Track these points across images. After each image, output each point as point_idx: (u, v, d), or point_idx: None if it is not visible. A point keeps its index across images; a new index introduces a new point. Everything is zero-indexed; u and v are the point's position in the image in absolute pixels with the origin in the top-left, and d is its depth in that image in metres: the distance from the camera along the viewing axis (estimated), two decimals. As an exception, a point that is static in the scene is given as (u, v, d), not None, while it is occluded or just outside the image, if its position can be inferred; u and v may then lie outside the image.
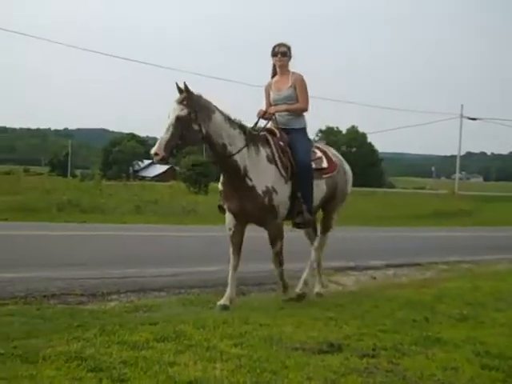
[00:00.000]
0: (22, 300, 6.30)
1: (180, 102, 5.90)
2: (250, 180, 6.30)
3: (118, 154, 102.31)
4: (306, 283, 7.27)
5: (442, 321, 6.21)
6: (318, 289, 7.65)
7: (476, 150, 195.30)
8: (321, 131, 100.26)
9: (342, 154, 7.98)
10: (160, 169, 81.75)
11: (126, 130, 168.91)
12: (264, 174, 6.36)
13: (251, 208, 6.36)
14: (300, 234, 7.68)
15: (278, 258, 6.73)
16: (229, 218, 6.65)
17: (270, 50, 6.99)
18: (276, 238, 6.63)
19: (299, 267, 7.46)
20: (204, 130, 5.98)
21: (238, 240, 6.68)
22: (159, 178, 72.50)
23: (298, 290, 7.12)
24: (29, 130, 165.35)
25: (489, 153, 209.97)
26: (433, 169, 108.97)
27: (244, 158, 6.26)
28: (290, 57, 7.01)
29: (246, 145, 6.28)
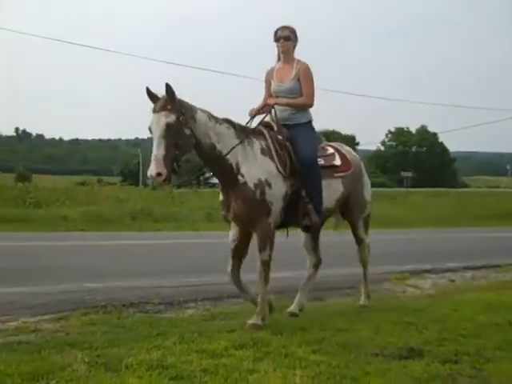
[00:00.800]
0: (103, 309, 6.45)
1: (163, 108, 5.18)
2: (242, 176, 5.63)
3: (185, 163, 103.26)
4: (367, 295, 7.01)
5: (526, 324, 6.00)
6: (362, 301, 7.04)
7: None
8: (390, 132, 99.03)
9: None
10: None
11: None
12: (257, 166, 5.70)
13: (241, 205, 5.64)
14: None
15: (264, 271, 5.75)
16: (232, 229, 6.00)
17: (273, 34, 6.26)
18: (265, 240, 5.72)
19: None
20: (195, 134, 5.36)
21: (240, 253, 6.01)
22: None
23: (361, 301, 6.96)
24: (100, 140, 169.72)
25: None
26: (508, 167, 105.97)
27: (236, 153, 5.62)
28: (294, 41, 6.27)
29: (240, 142, 5.65)
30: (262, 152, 5.78)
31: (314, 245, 6.79)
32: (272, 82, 6.30)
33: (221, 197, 5.91)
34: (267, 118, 6.16)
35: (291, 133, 6.08)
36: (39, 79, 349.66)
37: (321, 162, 6.14)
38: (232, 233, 6.01)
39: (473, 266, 11.11)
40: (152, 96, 5.25)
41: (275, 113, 6.20)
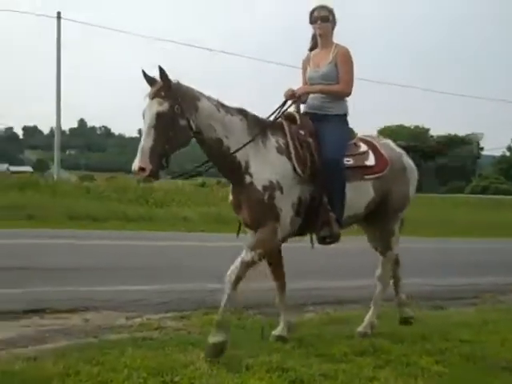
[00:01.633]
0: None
1: (156, 95, 4.51)
2: (250, 176, 4.87)
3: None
4: (372, 325, 5.83)
5: None
6: (361, 327, 5.84)
7: None
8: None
9: None
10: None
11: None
12: (269, 166, 4.92)
13: (246, 207, 4.94)
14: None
15: (240, 271, 4.78)
16: (249, 234, 5.18)
17: (308, 16, 5.60)
18: (260, 242, 4.84)
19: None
20: (193, 125, 4.62)
21: (275, 263, 5.44)
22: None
23: (360, 328, 5.79)
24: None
25: None
26: None
27: (246, 150, 4.88)
28: (333, 23, 5.57)
29: (252, 139, 4.90)
30: (278, 150, 5.03)
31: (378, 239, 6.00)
32: (308, 68, 5.64)
33: (230, 197, 5.19)
34: (291, 109, 5.43)
35: (318, 126, 5.33)
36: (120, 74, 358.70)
37: (349, 162, 5.34)
38: (249, 238, 5.13)
39: None
40: (149, 79, 4.61)
41: (298, 105, 5.52)
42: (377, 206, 5.60)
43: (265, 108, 5.42)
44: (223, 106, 4.88)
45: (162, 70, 4.49)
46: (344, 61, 5.43)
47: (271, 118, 5.26)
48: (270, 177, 4.88)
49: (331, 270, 9.83)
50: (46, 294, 6.71)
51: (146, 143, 4.38)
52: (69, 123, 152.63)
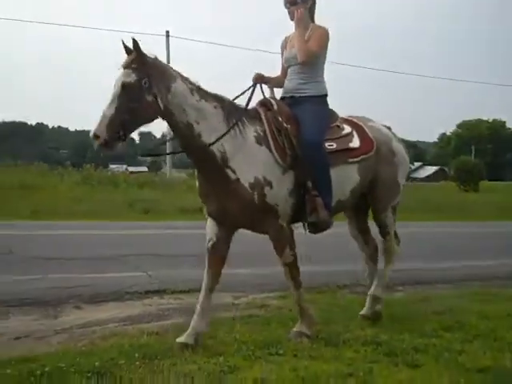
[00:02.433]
0: (317, 290, 6.50)
1: (127, 66, 4.04)
2: (233, 172, 4.23)
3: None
4: (375, 300, 5.19)
5: None
6: (364, 310, 5.24)
7: None
8: None
9: None
10: (430, 170, 79.75)
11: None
12: (251, 160, 4.28)
13: (237, 209, 4.29)
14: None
15: (292, 273, 4.51)
16: (209, 225, 4.58)
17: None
18: (282, 243, 4.44)
19: None
20: (162, 104, 4.07)
21: (219, 254, 4.55)
22: (430, 178, 70.42)
23: (364, 311, 5.19)
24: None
25: None
26: None
27: (220, 140, 4.25)
28: (305, 3, 4.80)
29: (230, 128, 4.26)
30: (257, 140, 4.36)
31: (364, 232, 5.43)
32: (285, 51, 4.99)
33: (197, 184, 4.52)
34: (267, 94, 4.80)
35: (296, 110, 4.67)
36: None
37: (332, 146, 4.65)
38: (208, 229, 4.58)
39: None
40: (127, 50, 4.12)
41: (272, 89, 4.91)
42: (365, 192, 5.00)
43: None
44: (200, 90, 4.28)
45: (135, 42, 4.01)
46: (316, 36, 4.73)
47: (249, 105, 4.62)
48: (255, 172, 4.26)
49: (419, 252, 9.60)
50: (165, 277, 6.92)
51: (107, 111, 3.91)
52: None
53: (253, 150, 4.31)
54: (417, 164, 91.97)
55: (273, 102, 4.66)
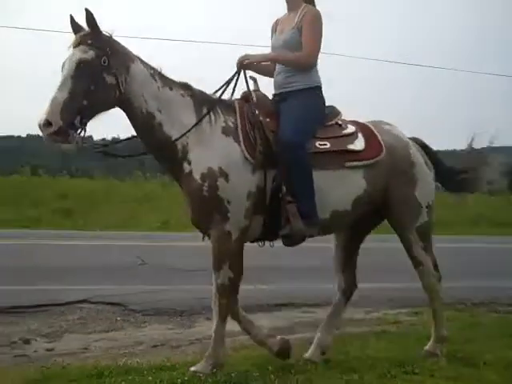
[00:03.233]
0: (453, 307, 6.29)
1: (81, 42, 3.51)
2: (189, 163, 3.78)
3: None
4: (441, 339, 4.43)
5: None
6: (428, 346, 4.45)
7: None
8: None
9: None
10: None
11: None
12: (210, 150, 3.78)
13: (189, 203, 3.84)
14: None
15: (220, 300, 3.83)
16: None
17: None
18: (221, 254, 3.79)
19: None
20: (122, 87, 3.59)
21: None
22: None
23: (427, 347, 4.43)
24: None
25: None
26: None
27: (183, 132, 3.79)
28: None
29: (201, 118, 3.81)
30: (224, 131, 3.86)
31: (346, 260, 4.52)
32: (274, 35, 4.39)
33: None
34: (252, 86, 4.18)
35: (282, 107, 4.10)
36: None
37: (325, 145, 4.01)
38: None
39: None
40: (76, 27, 3.59)
41: (256, 81, 4.25)
42: (384, 206, 4.26)
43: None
44: (163, 77, 3.85)
45: (89, 14, 3.50)
46: (308, 23, 4.10)
47: (225, 95, 4.09)
48: (210, 163, 3.74)
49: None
50: (293, 291, 6.95)
51: (59, 95, 3.38)
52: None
53: (215, 140, 3.82)
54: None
55: (252, 94, 4.08)
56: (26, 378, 3.84)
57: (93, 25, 3.54)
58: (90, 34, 3.54)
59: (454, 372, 4.03)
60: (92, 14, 3.50)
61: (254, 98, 4.03)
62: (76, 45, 3.52)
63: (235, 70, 4.10)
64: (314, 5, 4.29)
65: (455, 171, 4.72)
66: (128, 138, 3.97)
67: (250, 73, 4.20)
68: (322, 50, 4.20)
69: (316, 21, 4.14)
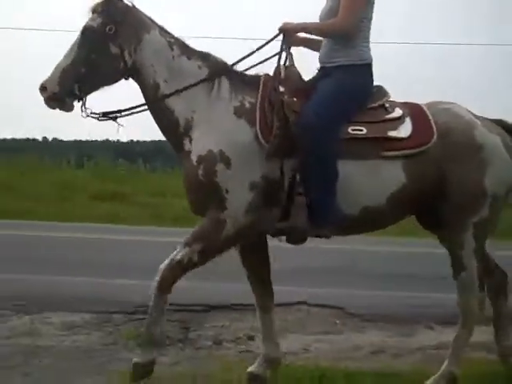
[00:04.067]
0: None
1: (95, 10, 3.46)
2: (189, 142, 3.46)
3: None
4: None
5: None
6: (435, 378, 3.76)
7: None
8: None
9: None
10: None
11: None
12: (215, 131, 3.41)
13: (186, 186, 3.56)
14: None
15: (169, 274, 3.33)
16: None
17: None
18: (198, 235, 3.39)
19: None
20: (130, 60, 3.43)
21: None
22: None
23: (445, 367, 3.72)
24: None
25: None
26: None
27: (191, 106, 3.47)
28: None
29: (193, 84, 3.46)
30: (237, 111, 3.46)
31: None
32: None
33: None
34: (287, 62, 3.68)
35: (319, 83, 3.62)
36: None
37: (360, 131, 3.48)
38: None
39: None
40: None
41: (292, 56, 3.71)
42: (428, 205, 3.63)
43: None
44: (184, 46, 3.59)
45: None
46: None
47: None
48: (211, 145, 3.39)
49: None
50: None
51: (62, 61, 3.38)
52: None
53: (224, 121, 3.47)
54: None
55: (281, 68, 3.63)
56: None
57: None
58: (104, 2, 3.48)
59: None
60: None
61: (282, 74, 3.60)
62: (91, 13, 3.51)
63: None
64: None
65: None
66: (135, 107, 3.69)
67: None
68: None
69: None
